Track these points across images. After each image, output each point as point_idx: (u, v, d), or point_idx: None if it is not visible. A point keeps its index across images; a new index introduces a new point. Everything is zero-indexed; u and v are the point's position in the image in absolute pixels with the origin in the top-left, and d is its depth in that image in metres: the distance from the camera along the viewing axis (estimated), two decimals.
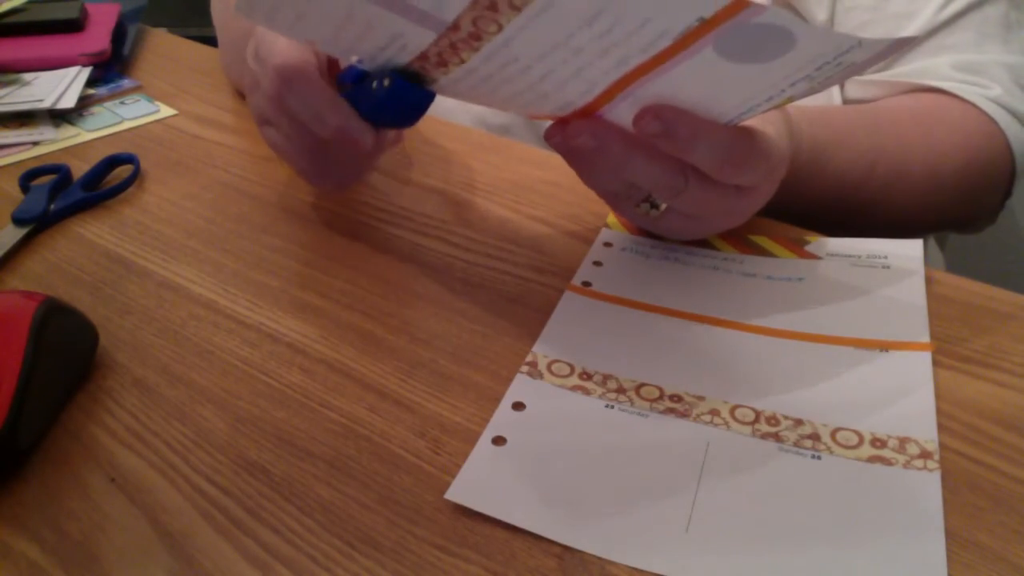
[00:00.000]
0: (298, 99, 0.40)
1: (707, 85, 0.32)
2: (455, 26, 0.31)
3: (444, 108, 0.62)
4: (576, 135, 0.36)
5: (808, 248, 0.44)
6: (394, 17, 0.32)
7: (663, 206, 0.41)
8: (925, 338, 0.37)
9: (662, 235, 0.45)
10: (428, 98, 0.38)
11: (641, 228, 0.46)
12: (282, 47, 0.40)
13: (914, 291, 0.40)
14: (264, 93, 0.42)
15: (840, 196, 0.50)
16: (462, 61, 0.33)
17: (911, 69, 0.54)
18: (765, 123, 0.37)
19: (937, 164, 0.51)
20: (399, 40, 0.34)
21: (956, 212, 0.54)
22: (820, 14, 0.56)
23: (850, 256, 0.43)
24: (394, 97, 0.38)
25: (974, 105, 0.51)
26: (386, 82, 0.37)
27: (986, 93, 0.52)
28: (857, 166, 0.50)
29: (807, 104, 0.41)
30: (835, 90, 0.57)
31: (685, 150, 0.35)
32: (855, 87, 0.57)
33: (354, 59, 0.39)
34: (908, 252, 0.43)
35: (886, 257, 0.43)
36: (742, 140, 0.35)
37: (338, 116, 0.39)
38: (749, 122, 0.36)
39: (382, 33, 0.34)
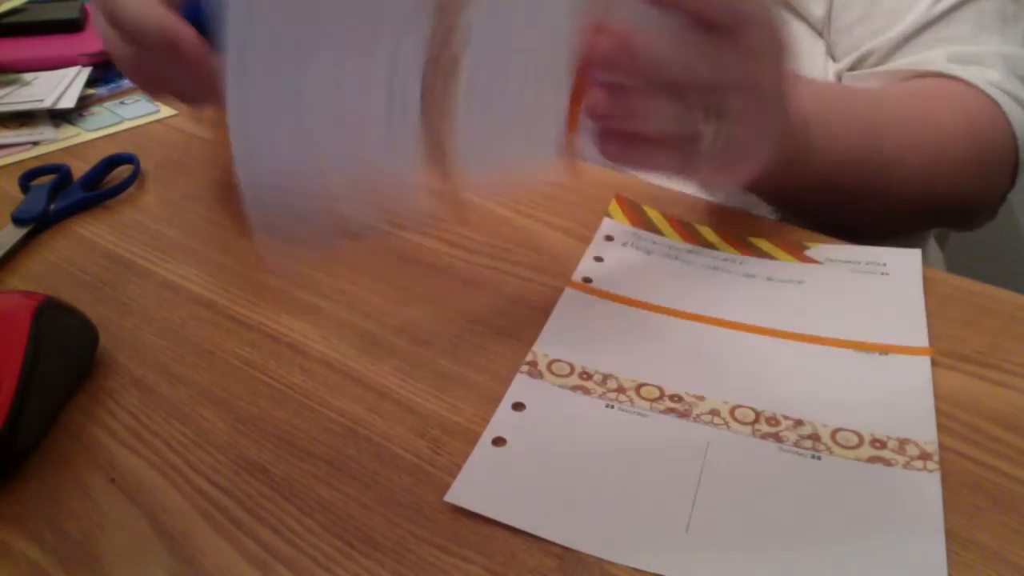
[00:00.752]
0: (120, 10, 0.40)
1: None
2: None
3: None
4: (602, 65, 0.33)
5: (808, 253, 0.44)
6: None
7: (716, 119, 0.36)
8: (924, 343, 0.38)
9: (722, 179, 0.41)
10: None
11: (643, 222, 0.46)
12: None
13: (913, 298, 0.40)
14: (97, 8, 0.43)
15: (847, 169, 0.48)
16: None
17: (907, 62, 0.54)
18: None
19: (941, 142, 0.50)
20: None
21: (958, 198, 0.53)
22: (817, 10, 0.56)
23: (850, 262, 0.43)
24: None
25: (975, 87, 0.51)
26: None
27: (986, 77, 0.51)
28: (861, 140, 0.49)
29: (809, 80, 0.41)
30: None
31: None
32: (852, 82, 0.57)
33: None
34: (907, 261, 0.43)
35: (885, 264, 0.43)
36: None
37: (155, 21, 0.39)
38: None
39: None
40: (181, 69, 0.41)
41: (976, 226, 0.57)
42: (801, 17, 0.57)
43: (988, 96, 0.51)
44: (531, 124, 0.35)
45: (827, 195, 0.49)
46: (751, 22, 0.36)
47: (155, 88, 0.48)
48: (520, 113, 0.34)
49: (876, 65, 0.55)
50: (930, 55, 0.53)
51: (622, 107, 0.35)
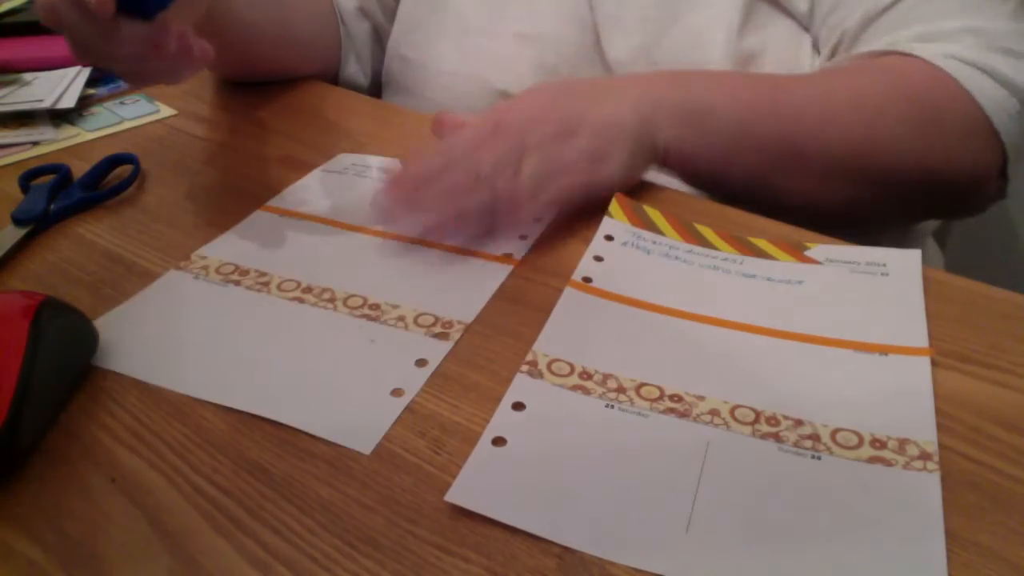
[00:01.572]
0: None
1: None
2: None
3: (444, 70, 0.63)
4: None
5: (808, 253, 0.44)
6: None
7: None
8: (924, 343, 0.38)
9: (565, 189, 0.46)
10: None
11: (643, 221, 0.46)
12: None
13: (913, 298, 0.40)
14: None
15: (755, 122, 0.50)
16: None
17: (875, 46, 0.53)
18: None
19: (864, 102, 0.50)
20: None
21: (924, 158, 0.51)
22: (802, 5, 0.56)
23: (850, 263, 0.43)
24: None
25: (918, 56, 0.50)
26: None
27: (944, 51, 0.50)
28: (767, 91, 0.51)
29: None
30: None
31: None
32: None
33: None
34: (907, 261, 0.43)
35: (885, 265, 0.43)
36: None
37: None
38: None
39: None
40: (91, 26, 0.42)
41: (979, 206, 0.56)
42: (789, 14, 0.57)
43: (931, 63, 0.50)
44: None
45: (739, 161, 0.50)
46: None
47: (95, 61, 0.47)
48: None
49: (847, 51, 0.55)
50: (897, 36, 0.52)
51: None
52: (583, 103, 0.48)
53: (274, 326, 0.40)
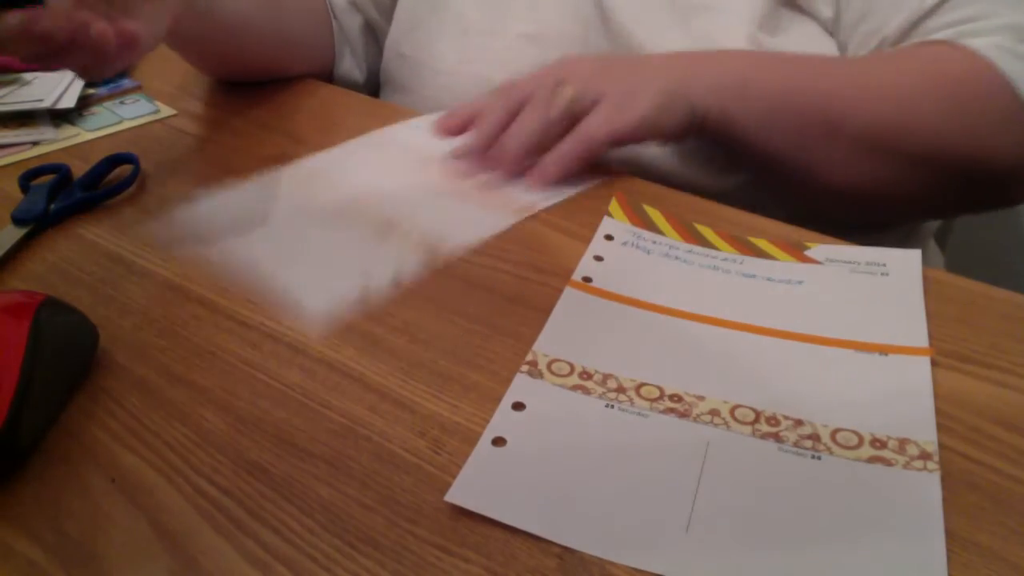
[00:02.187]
0: None
1: None
2: None
3: (444, 69, 0.64)
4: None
5: (808, 253, 0.44)
6: None
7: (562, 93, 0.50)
8: (924, 343, 0.38)
9: (602, 131, 0.49)
10: None
11: (643, 221, 0.46)
12: None
13: (913, 298, 0.40)
14: None
15: (791, 96, 0.51)
16: None
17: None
18: None
19: (903, 80, 0.51)
20: None
21: (957, 143, 0.51)
22: (826, 11, 0.56)
23: (850, 263, 0.43)
24: None
25: (959, 45, 0.51)
26: None
27: (982, 42, 0.51)
28: (804, 68, 0.52)
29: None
30: None
31: None
32: None
33: None
34: (907, 261, 0.43)
35: (885, 265, 0.43)
36: None
37: None
38: None
39: None
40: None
41: (1019, 196, 0.56)
42: (813, 18, 0.57)
43: (973, 51, 0.50)
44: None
45: (772, 138, 0.51)
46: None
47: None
48: None
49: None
50: (939, 37, 0.53)
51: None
52: (618, 64, 0.51)
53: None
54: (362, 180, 0.51)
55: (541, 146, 0.50)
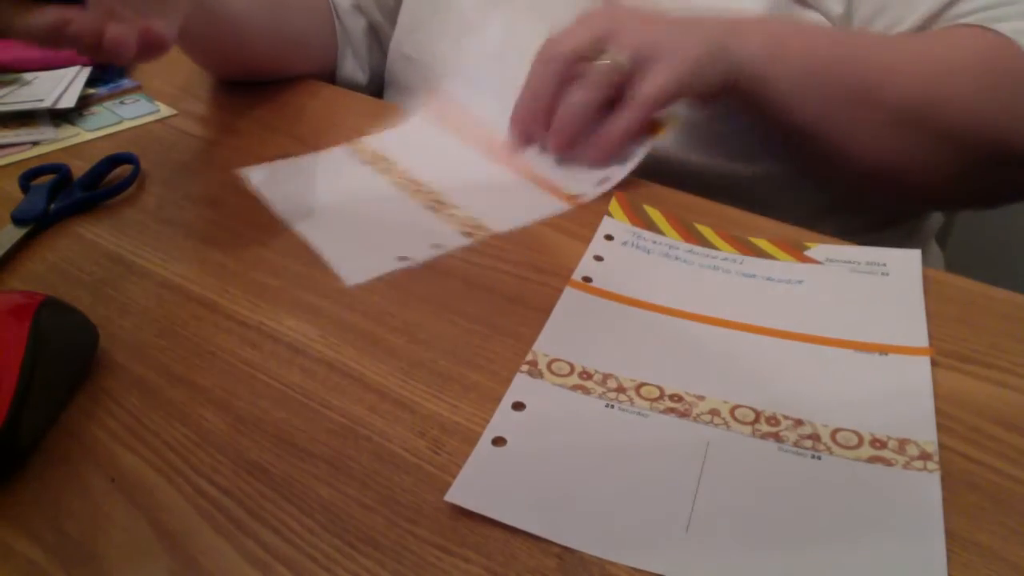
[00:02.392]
0: None
1: None
2: None
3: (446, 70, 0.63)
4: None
5: (808, 253, 0.44)
6: None
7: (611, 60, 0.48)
8: (924, 343, 0.38)
9: (650, 96, 0.48)
10: None
11: (643, 221, 0.46)
12: None
13: (913, 298, 0.40)
14: None
15: (829, 70, 0.51)
16: None
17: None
18: None
19: (952, 56, 0.51)
20: None
21: (984, 124, 0.51)
22: (836, 7, 0.56)
23: (850, 263, 0.43)
24: None
25: (990, 28, 0.51)
26: None
27: (1003, 25, 0.51)
28: (841, 44, 0.52)
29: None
30: None
31: None
32: None
33: None
34: (907, 261, 0.43)
35: (885, 265, 0.43)
36: None
37: None
38: None
39: None
40: None
41: (1014, 193, 0.56)
42: (822, 14, 0.57)
43: (1002, 33, 0.50)
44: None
45: (806, 109, 0.51)
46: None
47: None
48: None
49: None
50: (963, 22, 0.53)
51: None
52: (660, 20, 0.51)
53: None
54: (419, 160, 0.54)
55: (595, 120, 0.50)
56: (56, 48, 0.45)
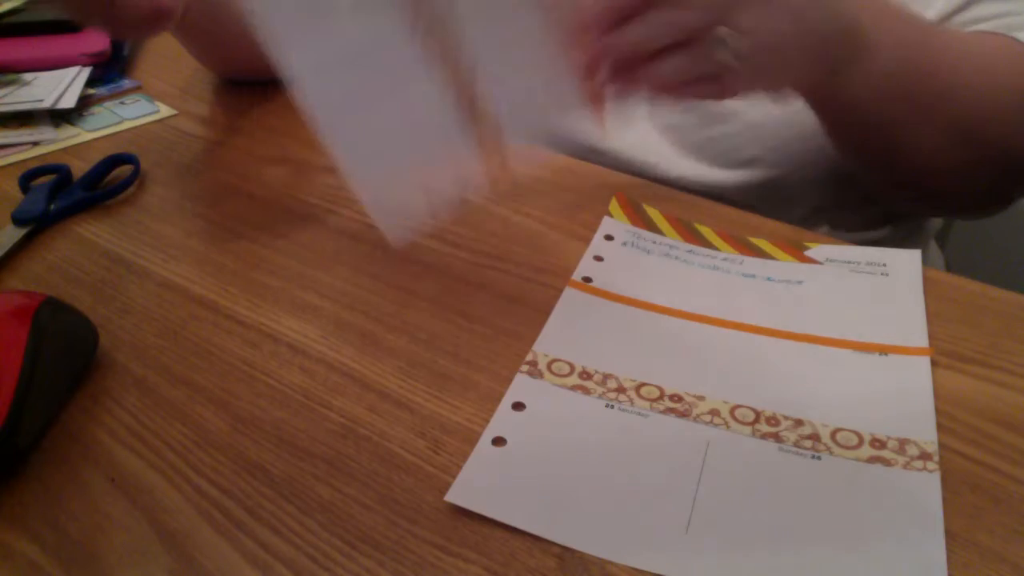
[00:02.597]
0: None
1: None
2: None
3: None
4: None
5: (808, 253, 0.44)
6: None
7: (729, 45, 0.37)
8: (924, 343, 0.38)
9: (745, 93, 0.41)
10: None
11: (643, 221, 0.46)
12: None
13: (913, 298, 0.40)
14: None
15: (898, 80, 0.47)
16: None
17: None
18: None
19: (997, 79, 0.50)
20: None
21: (1014, 139, 0.51)
22: None
23: (850, 262, 0.43)
24: None
25: (1012, 38, 0.50)
26: None
27: (1022, 34, 0.51)
28: (919, 51, 0.48)
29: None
30: None
31: None
32: None
33: None
34: (907, 261, 0.43)
35: (885, 265, 0.43)
36: None
37: None
38: None
39: None
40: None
41: (1006, 201, 0.56)
42: None
43: None
44: (551, 90, 0.40)
45: (880, 108, 0.48)
46: None
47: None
48: (538, 84, 0.39)
49: None
50: (976, 30, 0.53)
51: (629, 62, 0.38)
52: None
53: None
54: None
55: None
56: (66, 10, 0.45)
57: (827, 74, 0.43)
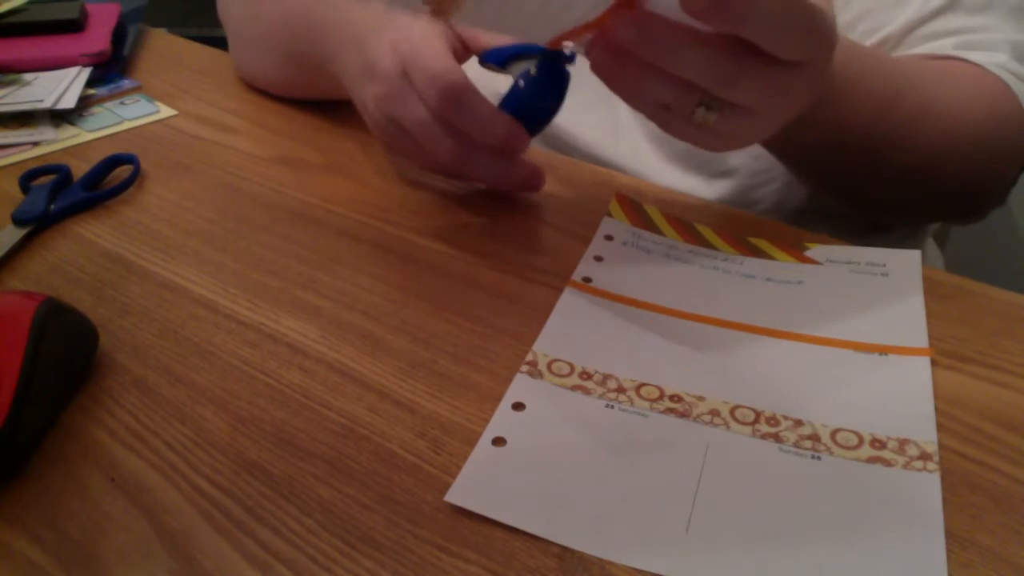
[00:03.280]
0: (466, 116, 0.43)
1: None
2: None
3: None
4: (616, 27, 0.36)
5: (808, 253, 0.44)
6: None
7: (717, 109, 0.37)
8: (924, 343, 0.38)
9: (719, 149, 0.42)
10: (562, 90, 0.45)
11: (643, 221, 0.46)
12: (428, 53, 0.43)
13: (912, 299, 0.40)
14: (426, 106, 0.44)
15: (867, 121, 0.47)
16: None
17: (917, 52, 0.54)
18: None
19: (960, 108, 0.50)
20: None
21: (970, 178, 0.52)
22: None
23: (849, 263, 0.43)
24: (537, 91, 0.45)
25: (987, 69, 0.51)
26: (532, 71, 0.44)
27: (994, 60, 0.51)
28: (885, 89, 0.48)
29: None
30: None
31: (739, 22, 0.33)
32: None
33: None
34: (906, 261, 0.43)
35: (884, 265, 0.43)
36: (795, 5, 0.34)
37: (503, 127, 0.43)
38: None
39: None
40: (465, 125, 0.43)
41: (981, 216, 0.56)
42: None
43: (999, 77, 0.50)
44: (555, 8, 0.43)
45: (842, 149, 0.48)
46: (790, 37, 0.35)
47: (455, 172, 0.49)
48: None
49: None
50: (937, 44, 0.53)
51: (644, 39, 0.36)
52: None
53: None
54: None
55: None
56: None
57: (800, 118, 0.42)
